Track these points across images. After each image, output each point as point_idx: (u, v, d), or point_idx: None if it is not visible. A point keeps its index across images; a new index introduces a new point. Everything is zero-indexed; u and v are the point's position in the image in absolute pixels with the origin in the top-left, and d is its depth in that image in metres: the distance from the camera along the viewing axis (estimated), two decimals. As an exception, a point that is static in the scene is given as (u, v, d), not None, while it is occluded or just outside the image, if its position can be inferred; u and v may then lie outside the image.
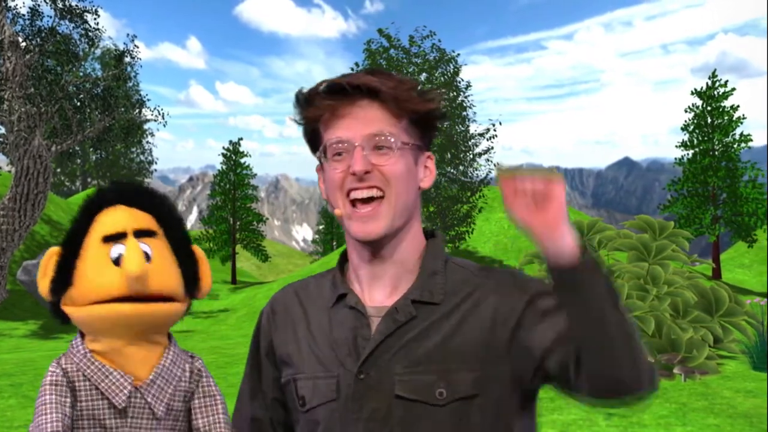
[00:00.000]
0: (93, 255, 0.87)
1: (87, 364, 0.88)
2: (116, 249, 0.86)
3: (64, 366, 0.88)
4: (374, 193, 0.79)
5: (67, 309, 0.88)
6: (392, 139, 0.79)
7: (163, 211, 0.92)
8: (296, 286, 0.93)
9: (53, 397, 0.84)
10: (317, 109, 0.80)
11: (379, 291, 0.84)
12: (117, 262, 0.85)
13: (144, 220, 0.90)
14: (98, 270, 0.86)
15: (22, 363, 7.92)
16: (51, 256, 0.90)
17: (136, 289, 0.84)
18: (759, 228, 20.16)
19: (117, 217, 0.89)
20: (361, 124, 0.78)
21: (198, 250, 0.95)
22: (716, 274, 19.67)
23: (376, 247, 0.82)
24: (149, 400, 0.87)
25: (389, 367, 0.78)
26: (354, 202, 0.80)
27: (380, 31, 19.24)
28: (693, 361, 6.69)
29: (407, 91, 0.80)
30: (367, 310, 0.83)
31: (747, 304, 7.81)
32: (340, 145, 0.79)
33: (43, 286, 0.90)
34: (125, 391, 0.86)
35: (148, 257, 0.87)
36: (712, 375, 6.59)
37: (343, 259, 0.90)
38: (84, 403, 0.86)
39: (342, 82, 0.79)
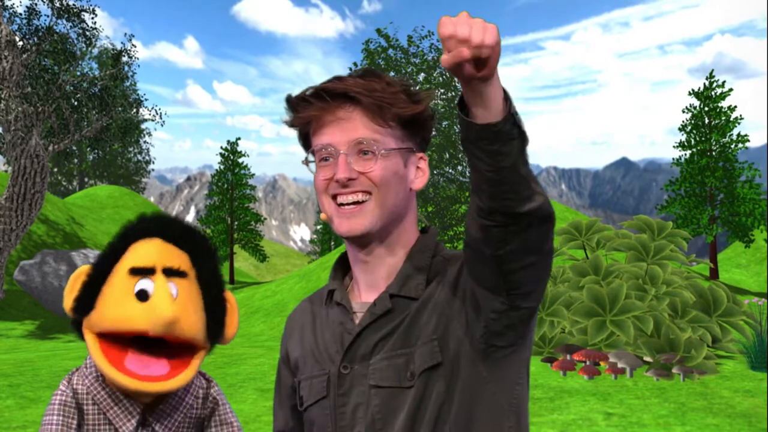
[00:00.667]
0: (118, 285, 0.85)
1: (97, 388, 0.87)
2: (141, 283, 0.84)
3: (74, 386, 0.87)
4: (359, 197, 0.80)
5: (86, 335, 0.87)
6: (375, 146, 0.79)
7: (199, 252, 0.90)
8: (312, 295, 0.96)
9: (60, 418, 0.84)
10: (303, 116, 0.81)
11: (372, 290, 0.85)
12: (140, 296, 0.83)
13: (177, 258, 0.88)
14: (120, 301, 0.84)
15: (19, 363, 7.89)
16: (79, 275, 0.89)
17: (157, 333, 0.82)
18: (756, 228, 20.22)
19: (149, 251, 0.87)
20: (345, 130, 0.79)
21: (230, 296, 0.93)
22: (713, 274, 19.73)
23: (364, 245, 0.83)
24: (156, 428, 0.86)
25: (367, 359, 0.80)
26: (340, 204, 0.81)
27: (379, 31, 19.24)
28: (691, 360, 6.70)
29: (393, 94, 0.79)
30: (354, 306, 0.85)
31: (745, 304, 7.83)
32: (325, 150, 0.80)
33: (68, 302, 0.89)
34: (133, 421, 0.85)
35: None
36: (710, 375, 6.60)
37: (344, 258, 0.91)
38: (91, 427, 0.85)
39: (325, 89, 0.79)
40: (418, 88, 0.84)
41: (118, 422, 0.85)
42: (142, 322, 0.82)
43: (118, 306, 0.83)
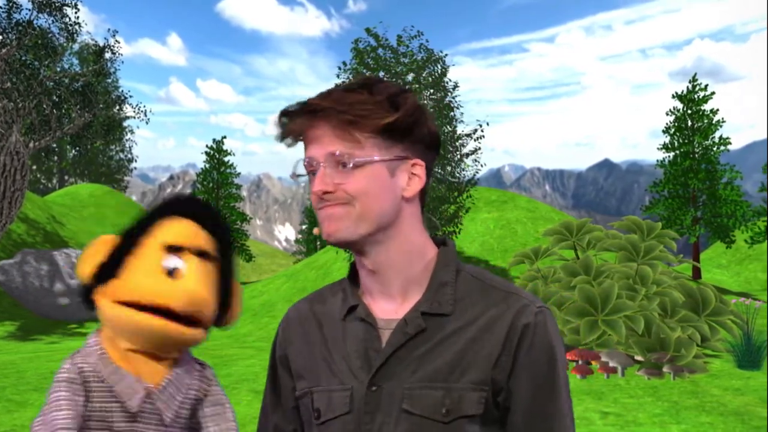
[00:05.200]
0: (148, 258, 0.88)
1: (102, 365, 0.88)
2: (172, 260, 0.87)
3: (80, 365, 0.88)
4: (338, 209, 0.80)
5: (101, 302, 0.89)
6: (349, 159, 0.79)
7: (225, 241, 0.94)
8: (311, 298, 0.94)
9: (68, 394, 0.84)
10: (286, 131, 0.83)
11: (388, 302, 0.85)
12: (169, 273, 0.86)
13: (207, 242, 0.91)
14: (150, 275, 0.86)
15: (2, 366, 7.69)
16: (104, 243, 0.91)
17: (185, 310, 0.85)
18: (737, 229, 20.66)
19: (184, 230, 0.90)
20: (323, 144, 0.80)
21: (236, 283, 0.97)
22: (696, 274, 20.09)
23: (363, 254, 0.83)
24: (159, 405, 0.88)
25: (400, 380, 0.80)
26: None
27: (368, 30, 19.18)
28: (681, 359, 6.79)
29: (374, 105, 0.78)
30: (378, 322, 0.84)
31: (732, 304, 7.98)
32: (309, 164, 0.82)
33: (85, 269, 0.90)
34: (138, 396, 0.87)
35: None
36: (700, 373, 6.70)
37: (355, 268, 0.90)
38: (96, 404, 0.87)
39: (301, 106, 0.81)
40: (407, 87, 0.85)
41: (123, 397, 0.86)
42: (169, 297, 0.85)
43: (146, 278, 0.86)
